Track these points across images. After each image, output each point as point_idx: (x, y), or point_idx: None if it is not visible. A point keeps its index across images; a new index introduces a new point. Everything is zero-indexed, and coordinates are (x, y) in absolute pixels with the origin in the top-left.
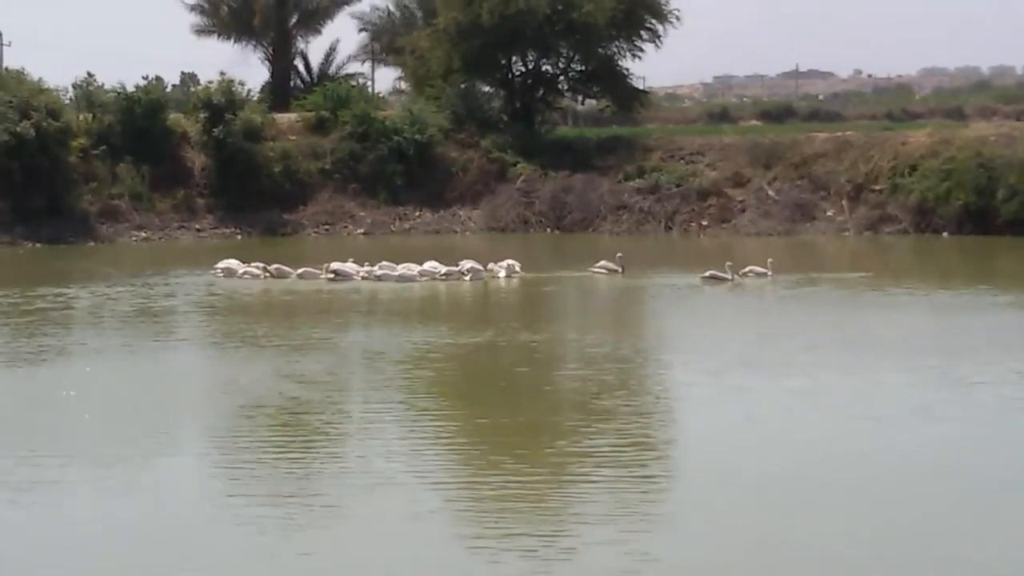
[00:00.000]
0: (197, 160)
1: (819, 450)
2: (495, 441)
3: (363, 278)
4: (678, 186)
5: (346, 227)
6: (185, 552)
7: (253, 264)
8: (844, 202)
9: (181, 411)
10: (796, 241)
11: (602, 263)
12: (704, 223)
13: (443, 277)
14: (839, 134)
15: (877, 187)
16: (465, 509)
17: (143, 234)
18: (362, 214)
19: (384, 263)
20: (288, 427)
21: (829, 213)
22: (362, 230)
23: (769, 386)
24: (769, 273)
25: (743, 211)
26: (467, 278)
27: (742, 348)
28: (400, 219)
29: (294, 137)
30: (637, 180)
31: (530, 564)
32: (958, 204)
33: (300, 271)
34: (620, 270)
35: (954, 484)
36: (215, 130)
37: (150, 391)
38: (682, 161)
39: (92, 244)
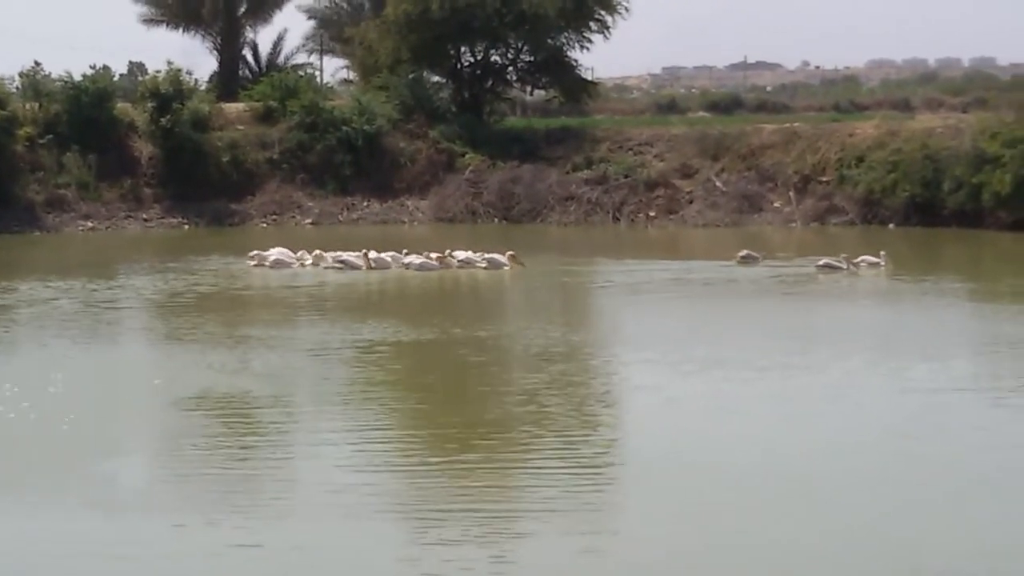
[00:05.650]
0: (144, 150)
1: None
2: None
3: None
4: (626, 177)
5: (294, 217)
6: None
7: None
8: (791, 193)
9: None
10: (744, 232)
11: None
12: (652, 214)
13: (484, 265)
14: (787, 125)
15: (824, 178)
16: (414, 508)
17: (90, 224)
18: (310, 204)
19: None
20: (246, 424)
21: (776, 204)
22: (310, 220)
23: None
24: (882, 263)
25: (691, 202)
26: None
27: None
28: (348, 209)
29: (242, 127)
30: (585, 171)
31: (475, 563)
32: (904, 195)
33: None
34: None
35: (916, 481)
36: (163, 119)
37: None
38: (630, 152)
39: (38, 234)
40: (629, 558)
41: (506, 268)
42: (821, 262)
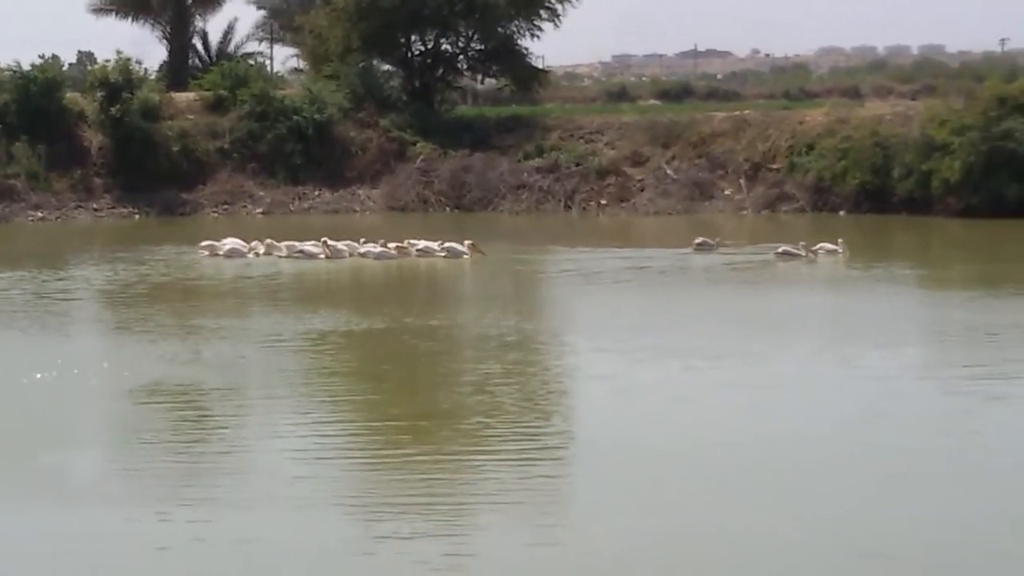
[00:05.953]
0: (94, 139)
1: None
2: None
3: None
4: (577, 165)
5: (245, 207)
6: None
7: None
8: (742, 181)
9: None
10: (695, 220)
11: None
12: (603, 202)
13: (443, 254)
14: (737, 113)
15: (774, 166)
16: (368, 500)
17: (39, 214)
18: (261, 194)
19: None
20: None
21: (727, 192)
22: (261, 210)
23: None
24: (840, 251)
25: (642, 190)
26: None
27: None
28: (299, 198)
29: (192, 116)
30: (536, 159)
31: (429, 556)
32: (854, 183)
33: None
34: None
35: (870, 467)
36: (112, 109)
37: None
38: (581, 140)
39: None
40: (584, 549)
41: (465, 257)
42: (780, 249)
